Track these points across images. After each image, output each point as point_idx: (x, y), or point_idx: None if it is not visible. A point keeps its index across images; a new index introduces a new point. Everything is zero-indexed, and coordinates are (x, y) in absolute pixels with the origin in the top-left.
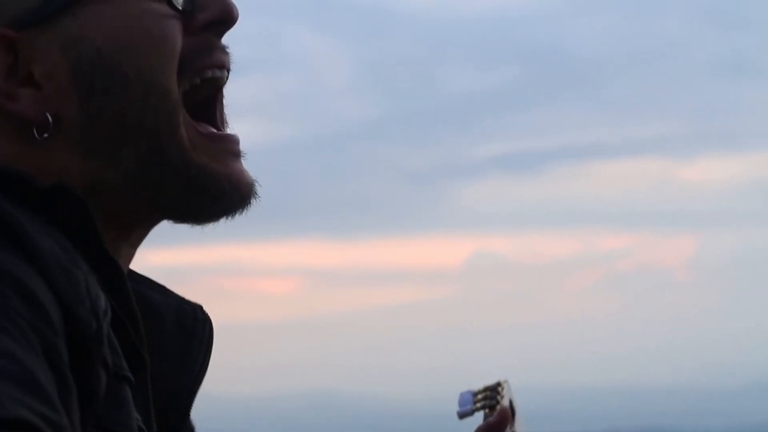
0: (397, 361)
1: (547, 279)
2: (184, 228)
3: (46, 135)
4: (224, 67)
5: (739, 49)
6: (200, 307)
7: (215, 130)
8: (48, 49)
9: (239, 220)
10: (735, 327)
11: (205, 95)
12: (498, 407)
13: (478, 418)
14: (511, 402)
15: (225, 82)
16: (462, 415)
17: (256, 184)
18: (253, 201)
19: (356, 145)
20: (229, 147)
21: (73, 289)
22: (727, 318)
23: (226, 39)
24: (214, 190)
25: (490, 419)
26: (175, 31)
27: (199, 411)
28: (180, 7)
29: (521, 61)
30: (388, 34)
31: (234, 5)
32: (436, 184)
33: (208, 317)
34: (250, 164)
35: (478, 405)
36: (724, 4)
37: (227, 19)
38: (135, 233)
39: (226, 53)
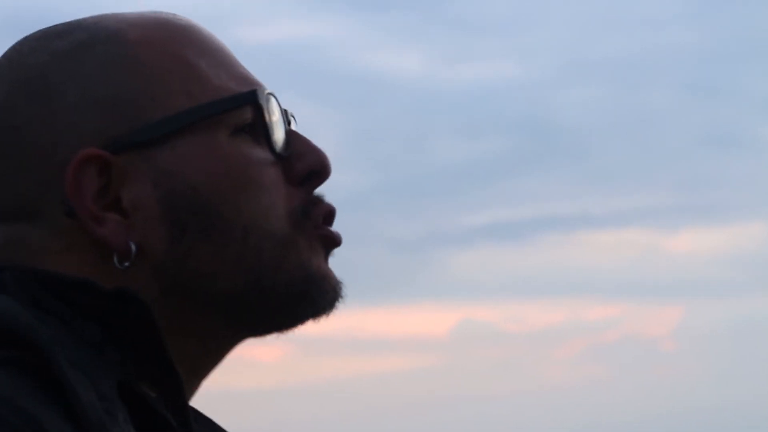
0: (384, 429)
1: (534, 348)
2: None
3: (126, 264)
4: (334, 213)
5: (725, 121)
6: None
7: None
8: (140, 178)
9: None
10: (719, 397)
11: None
12: None
13: None
14: None
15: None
16: None
17: (342, 284)
18: (342, 301)
19: (343, 215)
20: (332, 246)
21: None
22: (710, 388)
23: None
24: (314, 295)
25: None
26: (278, 181)
27: None
28: (282, 154)
29: (509, 131)
30: (375, 103)
31: (328, 158)
32: (423, 253)
33: None
34: None
35: None
36: (710, 76)
37: (324, 172)
38: (207, 364)
39: (327, 201)
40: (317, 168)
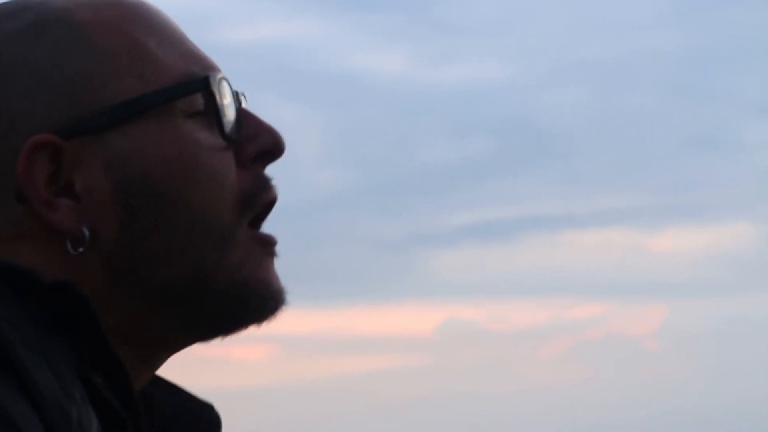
0: (369, 428)
1: (519, 347)
2: None
3: (81, 249)
4: (276, 201)
5: (708, 122)
6: (210, 407)
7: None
8: (92, 163)
9: None
10: (703, 396)
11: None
12: None
13: None
14: None
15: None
16: None
17: (286, 290)
18: (283, 308)
19: (328, 214)
20: (272, 250)
21: (65, 422)
22: (694, 387)
23: None
24: (254, 303)
25: None
26: (229, 166)
27: None
28: (233, 138)
29: (493, 132)
30: (360, 103)
31: (282, 137)
32: (408, 253)
33: (218, 417)
34: None
35: None
36: (693, 78)
37: (276, 151)
38: (155, 356)
39: (274, 186)
40: (269, 148)
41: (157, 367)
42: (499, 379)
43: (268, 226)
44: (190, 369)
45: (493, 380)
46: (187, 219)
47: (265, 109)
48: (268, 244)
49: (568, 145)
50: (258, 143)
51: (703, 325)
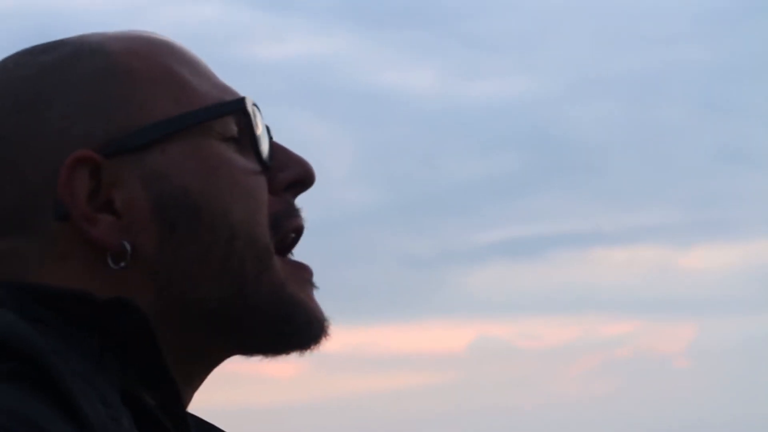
0: None
1: (549, 364)
2: None
3: (122, 264)
4: (302, 230)
5: (738, 137)
6: None
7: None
8: (131, 180)
9: None
10: (733, 414)
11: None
12: None
13: None
14: None
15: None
16: None
17: (330, 321)
18: (326, 339)
19: (357, 232)
20: (310, 278)
21: None
22: (724, 405)
23: None
24: (298, 321)
25: None
26: (262, 189)
27: None
28: (267, 163)
29: (522, 148)
30: (389, 120)
31: (313, 168)
32: (438, 270)
33: None
34: None
35: None
36: (722, 91)
37: (308, 181)
38: (198, 372)
39: (302, 216)
40: (301, 177)
41: (199, 383)
42: (529, 396)
43: (298, 252)
44: (220, 385)
45: (524, 397)
46: (227, 231)
47: (295, 126)
48: (306, 272)
49: (597, 160)
50: (290, 172)
51: (733, 342)
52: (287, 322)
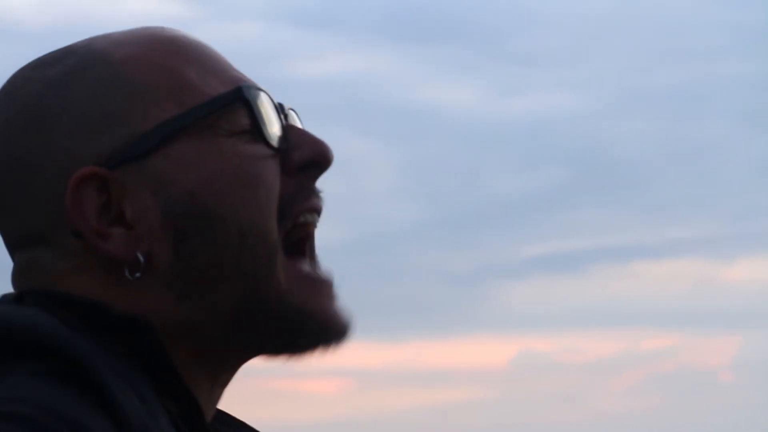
0: None
1: (592, 378)
2: None
3: (138, 275)
4: (319, 211)
5: None
6: None
7: (311, 271)
8: (139, 189)
9: None
10: None
11: (296, 237)
12: None
13: None
14: None
15: (316, 226)
16: None
17: (353, 322)
18: (349, 335)
19: (399, 247)
20: (326, 291)
21: None
22: None
23: None
24: (311, 328)
25: None
26: (273, 174)
27: None
28: (276, 146)
29: (563, 163)
30: (430, 136)
31: (329, 147)
32: (480, 286)
33: None
34: None
35: None
36: (766, 105)
37: (323, 161)
38: (225, 372)
39: (320, 197)
40: (317, 157)
41: (226, 382)
42: (572, 412)
43: (335, 259)
44: (261, 401)
45: (567, 412)
46: (236, 230)
47: (338, 142)
48: (317, 285)
49: (638, 174)
50: (303, 151)
51: None
52: (300, 331)
